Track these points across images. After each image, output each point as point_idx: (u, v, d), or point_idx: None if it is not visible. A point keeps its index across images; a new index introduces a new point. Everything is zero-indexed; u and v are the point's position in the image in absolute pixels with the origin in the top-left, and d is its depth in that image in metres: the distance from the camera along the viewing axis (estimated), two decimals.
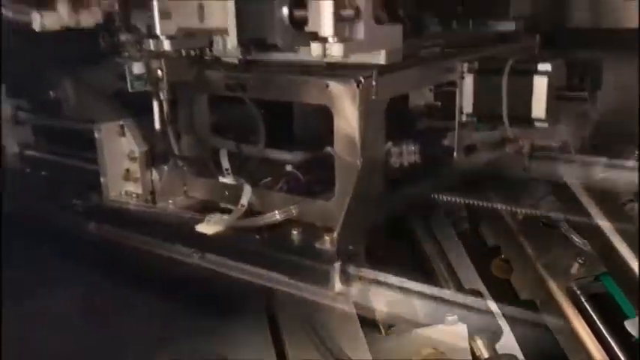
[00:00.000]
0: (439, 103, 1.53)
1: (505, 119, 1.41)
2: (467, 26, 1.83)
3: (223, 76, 1.28)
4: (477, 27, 1.82)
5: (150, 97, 1.64)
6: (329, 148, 1.48)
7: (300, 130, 1.76)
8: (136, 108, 1.65)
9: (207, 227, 1.24)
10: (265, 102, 1.31)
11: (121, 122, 1.41)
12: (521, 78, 1.37)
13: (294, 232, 1.20)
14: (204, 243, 1.26)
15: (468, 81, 1.42)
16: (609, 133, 1.76)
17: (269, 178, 1.39)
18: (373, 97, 1.13)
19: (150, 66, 1.27)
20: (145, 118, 1.43)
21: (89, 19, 1.08)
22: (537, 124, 1.41)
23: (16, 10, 1.03)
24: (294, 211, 1.21)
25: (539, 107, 1.37)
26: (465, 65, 1.41)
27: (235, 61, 1.19)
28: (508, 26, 1.79)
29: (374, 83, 1.12)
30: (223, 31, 1.13)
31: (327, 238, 1.15)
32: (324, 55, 1.00)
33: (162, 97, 1.29)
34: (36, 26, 1.03)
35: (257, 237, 1.21)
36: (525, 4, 1.81)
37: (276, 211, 1.22)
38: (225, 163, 1.37)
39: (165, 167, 1.43)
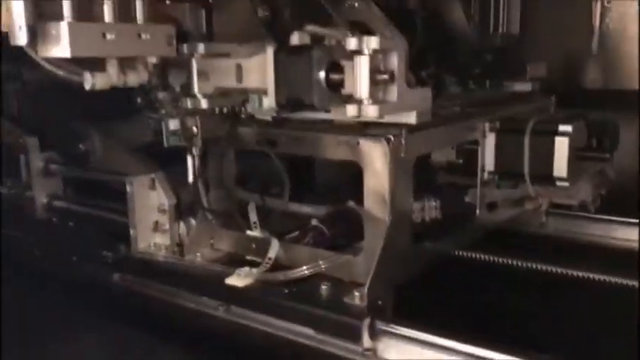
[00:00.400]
0: (460, 160, 1.57)
1: (527, 178, 1.45)
2: (484, 86, 1.89)
3: (255, 132, 1.33)
4: (494, 87, 1.89)
5: (176, 150, 1.75)
6: (351, 203, 1.53)
7: (321, 181, 1.80)
8: (161, 160, 1.72)
9: (238, 280, 1.25)
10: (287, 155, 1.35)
11: (152, 176, 1.45)
12: (543, 138, 1.42)
13: (323, 287, 1.21)
14: (232, 296, 1.28)
15: (490, 140, 1.46)
16: (624, 190, 1.79)
17: (295, 232, 1.42)
18: (402, 155, 1.17)
19: (185, 122, 1.32)
20: (171, 171, 1.48)
21: (135, 79, 1.14)
22: (559, 183, 1.44)
23: (68, 70, 1.08)
24: (323, 267, 1.23)
25: (560, 167, 1.41)
26: (487, 124, 1.46)
27: (269, 118, 1.24)
28: (524, 87, 1.86)
29: (403, 142, 1.16)
30: (260, 91, 1.18)
31: (356, 293, 1.16)
32: (359, 115, 1.04)
33: (194, 152, 1.33)
34: (87, 85, 1.08)
35: (285, 290, 1.23)
36: (541, 67, 1.88)
37: (305, 266, 1.24)
38: (253, 217, 1.40)
39: (193, 220, 1.47)
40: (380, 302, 1.17)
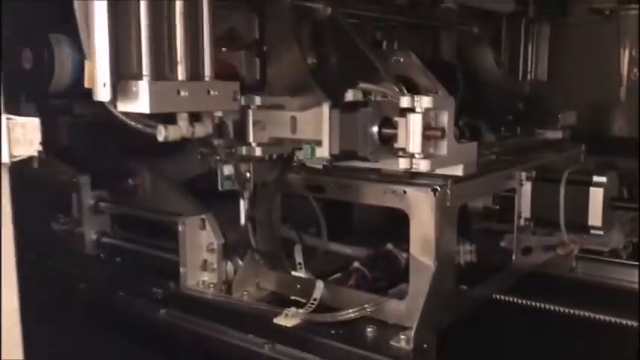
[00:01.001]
0: (497, 207, 1.63)
1: (562, 226, 1.50)
2: (515, 133, 1.96)
3: (304, 178, 1.40)
4: (526, 134, 1.95)
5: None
6: (390, 245, 1.59)
7: (356, 223, 1.86)
8: (206, 196, 1.79)
9: (286, 320, 1.31)
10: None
11: (203, 216, 1.52)
12: (578, 188, 1.48)
13: (369, 329, 1.27)
14: (278, 334, 1.33)
15: (527, 188, 1.52)
16: None
17: (338, 274, 1.48)
18: (448, 204, 1.23)
19: (238, 168, 1.39)
20: (218, 211, 1.56)
21: (202, 130, 1.23)
22: (593, 231, 1.49)
23: (143, 123, 1.16)
24: (369, 310, 1.28)
25: (595, 216, 1.46)
26: (524, 174, 1.52)
27: (320, 166, 1.31)
28: (555, 134, 1.92)
29: (449, 192, 1.23)
30: (313, 141, 1.26)
31: (402, 336, 1.21)
32: (410, 168, 1.11)
33: (246, 195, 1.41)
34: (160, 138, 1.17)
35: (332, 332, 1.28)
36: (571, 115, 1.94)
37: (352, 309, 1.29)
38: (299, 258, 1.46)
39: (239, 259, 1.53)
40: (425, 345, 1.21)
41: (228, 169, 1.39)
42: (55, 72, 1.35)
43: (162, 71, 1.13)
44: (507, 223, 1.60)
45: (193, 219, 1.52)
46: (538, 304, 1.55)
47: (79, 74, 1.21)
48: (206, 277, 1.52)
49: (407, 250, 1.61)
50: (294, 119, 1.27)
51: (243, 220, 1.41)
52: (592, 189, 1.46)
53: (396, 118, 1.13)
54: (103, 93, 1.09)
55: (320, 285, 1.40)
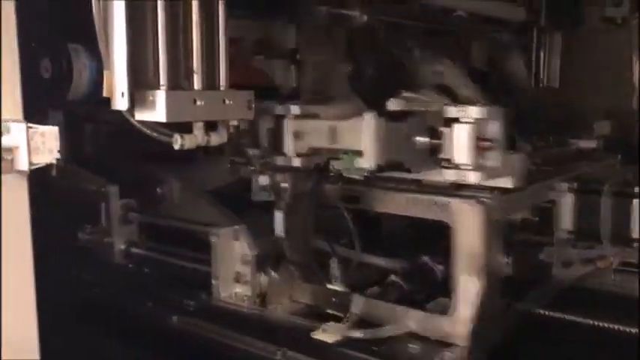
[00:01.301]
0: (536, 218, 1.59)
1: (604, 238, 1.46)
2: (547, 141, 1.92)
3: (340, 189, 1.37)
4: (558, 143, 1.91)
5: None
6: (425, 257, 1.56)
7: (386, 233, 1.83)
8: (235, 205, 1.77)
9: (326, 336, 1.27)
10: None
11: (236, 227, 1.49)
12: (621, 200, 1.44)
13: (411, 346, 1.23)
14: (315, 349, 1.29)
15: (568, 200, 1.48)
16: None
17: (375, 287, 1.44)
18: (494, 217, 1.20)
19: (274, 179, 1.36)
20: (250, 221, 1.53)
21: (217, 139, 1.23)
22: (635, 244, 1.45)
23: (159, 131, 1.17)
24: (413, 326, 1.25)
25: (637, 228, 1.42)
26: (565, 185, 1.48)
27: (360, 177, 1.28)
28: (589, 144, 1.88)
29: (496, 204, 1.19)
30: (353, 151, 1.23)
31: (448, 352, 1.18)
32: (458, 180, 1.07)
33: (282, 207, 1.38)
34: (176, 146, 1.18)
35: (374, 348, 1.24)
36: (606, 125, 1.91)
37: (394, 325, 1.26)
38: (335, 270, 1.43)
39: (272, 271, 1.50)
40: None
41: (263, 180, 1.36)
42: (73, 81, 1.37)
43: (178, 81, 1.14)
44: (546, 235, 1.57)
45: (227, 230, 1.49)
46: (579, 319, 1.51)
47: (97, 83, 1.25)
48: (239, 289, 1.49)
49: (442, 263, 1.60)
50: (333, 129, 1.24)
51: (278, 232, 1.38)
52: (635, 201, 1.42)
53: (442, 129, 1.10)
54: (120, 102, 1.11)
55: (358, 299, 1.37)
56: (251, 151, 1.38)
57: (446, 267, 1.56)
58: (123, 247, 1.76)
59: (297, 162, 1.29)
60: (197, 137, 1.18)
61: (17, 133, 0.90)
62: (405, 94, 1.20)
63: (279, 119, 1.37)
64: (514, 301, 1.41)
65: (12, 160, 0.90)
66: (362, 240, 1.45)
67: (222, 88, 1.21)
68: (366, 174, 1.27)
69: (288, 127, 1.29)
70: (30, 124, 0.91)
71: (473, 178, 1.07)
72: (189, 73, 1.16)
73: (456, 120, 1.10)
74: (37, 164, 0.91)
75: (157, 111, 1.11)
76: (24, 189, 0.95)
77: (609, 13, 2.22)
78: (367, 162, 1.15)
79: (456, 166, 1.09)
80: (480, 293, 1.19)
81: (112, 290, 1.65)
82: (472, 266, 1.19)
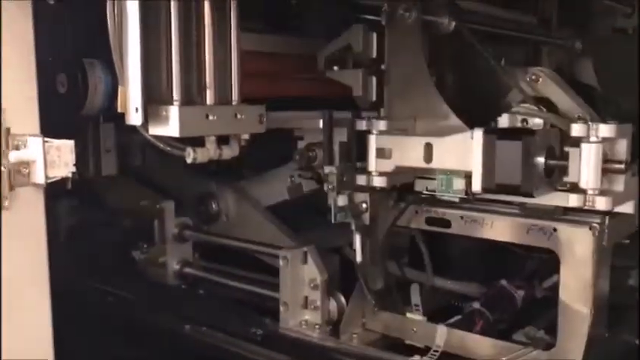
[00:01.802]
0: (627, 241, 1.46)
1: None
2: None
3: (425, 210, 1.26)
4: None
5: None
6: (504, 282, 1.44)
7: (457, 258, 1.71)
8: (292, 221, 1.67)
9: None
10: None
11: (305, 249, 1.39)
12: None
13: None
14: None
15: None
16: None
17: (458, 317, 1.33)
18: (604, 243, 1.08)
19: (353, 199, 1.26)
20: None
21: (229, 153, 1.23)
22: None
23: (172, 145, 1.17)
24: None
25: None
26: None
27: (456, 199, 1.17)
28: None
29: (606, 229, 1.08)
30: (451, 171, 1.12)
31: None
32: (584, 206, 0.96)
33: (360, 229, 1.27)
34: (189, 160, 1.18)
35: None
36: None
37: None
38: (416, 299, 1.32)
39: (342, 297, 1.39)
40: None
41: (342, 200, 1.25)
42: (89, 95, 1.38)
43: (191, 96, 1.15)
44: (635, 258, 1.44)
45: (295, 252, 1.39)
46: None
47: (112, 97, 1.26)
48: (308, 316, 1.38)
49: (521, 288, 1.48)
50: (429, 146, 1.13)
51: (359, 257, 1.27)
52: None
53: (568, 148, 0.99)
54: (135, 117, 1.11)
55: (443, 331, 1.26)
56: (327, 169, 1.27)
57: (527, 292, 1.47)
58: (177, 267, 1.66)
59: (380, 182, 1.19)
60: (209, 151, 1.19)
61: (33, 147, 0.92)
62: (519, 107, 1.09)
63: (358, 134, 1.28)
64: (613, 330, 1.28)
65: (28, 174, 0.92)
66: (419, 261, 1.36)
67: (234, 103, 1.22)
68: (464, 196, 1.16)
69: (373, 143, 1.18)
70: (46, 139, 0.92)
71: (601, 204, 0.96)
72: (202, 88, 1.17)
73: (581, 139, 0.98)
74: (52, 177, 0.93)
75: (170, 126, 1.12)
76: (40, 202, 0.97)
77: (620, 23, 2.11)
78: (475, 184, 1.04)
79: (582, 191, 0.98)
80: (590, 325, 1.07)
81: (164, 313, 1.54)
82: (582, 297, 1.08)
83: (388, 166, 1.18)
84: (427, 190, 1.20)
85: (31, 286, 0.98)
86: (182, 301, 1.58)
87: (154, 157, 1.84)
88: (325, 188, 1.29)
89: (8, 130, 0.92)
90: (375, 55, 1.28)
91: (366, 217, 1.26)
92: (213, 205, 1.73)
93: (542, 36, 1.83)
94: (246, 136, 1.23)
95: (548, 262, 1.39)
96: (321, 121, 1.31)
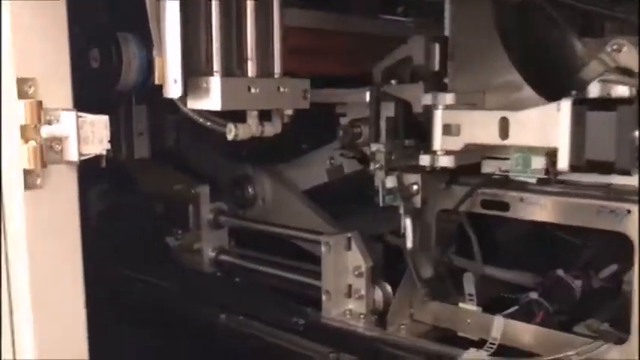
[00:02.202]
0: None
1: None
2: None
3: (481, 193, 1.17)
4: None
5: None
6: (560, 272, 1.34)
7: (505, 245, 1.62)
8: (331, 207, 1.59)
9: None
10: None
11: (349, 235, 1.31)
12: None
13: None
14: None
15: None
16: None
17: (514, 307, 1.24)
18: None
19: (403, 180, 1.18)
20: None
21: (271, 130, 1.17)
22: None
23: (212, 120, 1.11)
24: (581, 357, 1.04)
25: None
26: None
27: (533, 180, 1.07)
28: None
29: None
30: (529, 148, 1.02)
31: None
32: None
33: (410, 212, 1.18)
34: (230, 137, 1.12)
35: None
36: None
37: (553, 356, 1.05)
38: (470, 288, 1.23)
39: (388, 286, 1.31)
40: None
41: (391, 181, 1.17)
42: (122, 71, 1.32)
43: (231, 68, 1.09)
44: None
45: (338, 238, 1.31)
46: None
47: (146, 73, 1.25)
48: (352, 305, 1.31)
49: (578, 278, 1.38)
50: (505, 121, 1.02)
51: (409, 243, 1.18)
52: None
53: None
54: (173, 89, 1.05)
55: (500, 322, 1.16)
56: (375, 147, 1.18)
57: (584, 283, 1.37)
58: (212, 254, 1.60)
59: (447, 161, 1.09)
60: (251, 127, 1.13)
61: (66, 122, 0.87)
62: (610, 76, 0.98)
63: (404, 109, 1.19)
64: None
65: (61, 150, 0.87)
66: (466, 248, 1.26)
67: (276, 76, 1.15)
68: (543, 176, 1.06)
69: (439, 119, 1.09)
70: (80, 113, 0.87)
71: None
72: (243, 60, 1.12)
73: None
74: (86, 155, 0.88)
75: (210, 99, 1.05)
76: (73, 181, 0.91)
77: None
78: (562, 161, 0.94)
79: None
80: None
81: (199, 301, 1.48)
82: None
83: (456, 143, 1.08)
84: (501, 171, 1.09)
85: (64, 273, 0.93)
86: (218, 290, 1.51)
87: (187, 139, 1.78)
88: (372, 168, 1.21)
89: (40, 103, 0.87)
90: (437, 67, 1.17)
91: (418, 200, 1.18)
92: (249, 190, 1.66)
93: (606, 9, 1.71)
94: (289, 112, 1.17)
95: (604, 250, 1.31)
96: (367, 94, 1.23)
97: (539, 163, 1.01)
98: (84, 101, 0.91)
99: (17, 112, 0.85)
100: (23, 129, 0.85)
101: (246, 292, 1.47)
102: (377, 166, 1.18)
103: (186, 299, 1.47)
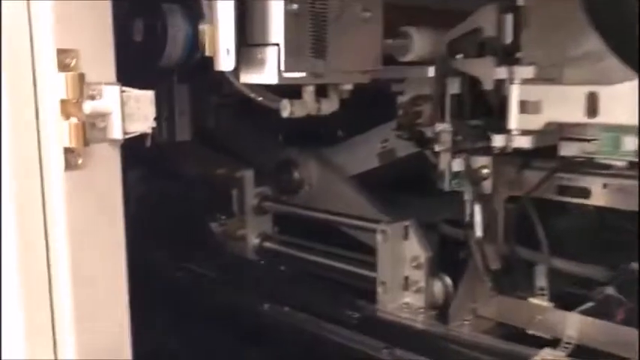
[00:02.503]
0: None
1: None
2: None
3: (557, 178, 1.06)
4: None
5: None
6: (635, 265, 1.23)
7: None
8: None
9: None
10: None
11: (406, 223, 1.21)
12: None
13: None
14: None
15: None
16: None
17: (589, 304, 1.13)
18: None
19: (471, 163, 1.07)
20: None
21: (328, 107, 1.09)
22: None
23: (266, 96, 1.04)
24: None
25: None
26: None
27: (622, 163, 0.95)
28: None
29: None
30: (621, 127, 0.91)
31: None
32: None
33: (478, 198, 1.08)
34: (285, 114, 1.04)
35: None
36: None
37: None
38: (542, 282, 1.13)
39: (448, 278, 1.22)
40: None
41: (458, 165, 1.07)
42: (167, 44, 1.21)
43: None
44: None
45: (395, 226, 1.21)
46: None
47: (191, 49, 1.15)
48: (409, 298, 1.21)
49: None
50: (593, 97, 0.91)
51: (479, 232, 1.09)
52: None
53: None
54: (225, 61, 0.96)
55: (576, 319, 1.06)
56: (440, 126, 1.08)
57: None
58: (257, 240, 1.52)
59: (525, 142, 0.98)
60: (307, 104, 1.05)
61: (110, 97, 0.78)
62: None
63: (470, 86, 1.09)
64: None
65: (104, 128, 0.78)
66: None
67: None
68: (634, 159, 0.94)
69: (516, 95, 0.97)
70: (123, 88, 0.79)
71: None
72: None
73: None
74: (131, 133, 0.79)
75: (266, 72, 0.96)
76: (117, 161, 0.82)
77: None
78: None
79: None
80: None
81: (243, 289, 1.40)
82: None
83: (536, 122, 0.96)
84: (586, 153, 0.98)
85: (106, 259, 0.84)
86: (263, 278, 1.43)
87: (229, 120, 1.70)
88: (437, 149, 1.11)
89: (82, 76, 0.78)
90: (509, 40, 1.04)
91: (488, 185, 1.07)
92: (295, 174, 1.58)
93: None
94: (348, 87, 1.07)
95: None
96: (431, 69, 1.13)
97: (631, 144, 0.90)
98: (126, 75, 0.82)
99: (57, 85, 0.77)
100: (64, 104, 0.77)
101: (294, 281, 1.39)
102: (442, 148, 1.08)
103: (229, 287, 1.40)
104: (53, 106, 0.78)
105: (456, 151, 1.08)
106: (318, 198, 1.53)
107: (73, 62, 0.78)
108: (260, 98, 1.03)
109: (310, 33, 0.97)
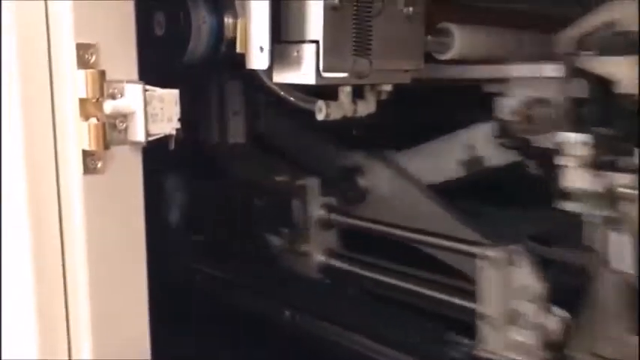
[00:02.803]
0: None
1: None
2: None
3: None
4: None
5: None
6: None
7: None
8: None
9: None
10: None
11: (512, 247, 1.03)
12: None
13: None
14: None
15: None
16: None
17: None
18: None
19: (611, 181, 0.89)
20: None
21: (364, 109, 1.02)
22: None
23: (300, 97, 0.96)
24: None
25: None
26: None
27: None
28: None
29: None
30: None
31: None
32: None
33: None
34: (320, 116, 0.95)
35: None
36: None
37: None
38: None
39: (565, 312, 1.04)
40: None
41: (587, 181, 0.89)
42: (191, 39, 1.07)
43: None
44: None
45: (499, 251, 1.03)
46: None
47: (216, 42, 1.04)
48: (518, 335, 1.04)
49: None
50: None
51: (625, 264, 0.90)
52: None
53: None
54: (259, 59, 0.88)
55: None
56: (563, 136, 0.90)
57: None
58: (322, 257, 1.35)
59: None
60: (344, 105, 0.97)
61: (132, 96, 0.72)
62: None
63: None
64: None
65: (125, 129, 0.73)
66: None
67: None
68: None
69: None
70: (147, 87, 0.73)
71: None
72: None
73: None
74: (154, 135, 0.74)
75: (303, 71, 0.88)
76: (138, 165, 0.77)
77: None
78: None
79: None
80: None
81: (317, 317, 1.24)
82: None
83: None
84: None
85: (125, 268, 0.77)
86: (334, 303, 1.26)
87: (286, 122, 1.52)
88: (559, 162, 0.93)
89: (103, 73, 0.70)
90: None
91: (630, 208, 0.89)
92: (360, 182, 1.40)
93: None
94: (387, 88, 0.99)
95: None
96: (548, 67, 0.95)
97: None
98: (146, 73, 0.76)
99: (76, 83, 0.70)
100: (83, 103, 0.71)
101: (375, 310, 1.21)
102: (567, 161, 0.90)
103: (299, 313, 1.23)
104: (71, 106, 0.71)
105: (586, 164, 0.89)
106: (387, 210, 1.34)
107: (93, 58, 0.72)
108: (291, 99, 0.95)
109: (352, 29, 0.88)
